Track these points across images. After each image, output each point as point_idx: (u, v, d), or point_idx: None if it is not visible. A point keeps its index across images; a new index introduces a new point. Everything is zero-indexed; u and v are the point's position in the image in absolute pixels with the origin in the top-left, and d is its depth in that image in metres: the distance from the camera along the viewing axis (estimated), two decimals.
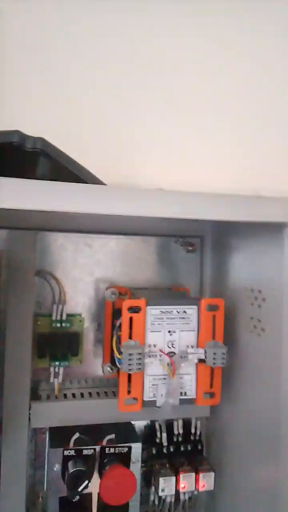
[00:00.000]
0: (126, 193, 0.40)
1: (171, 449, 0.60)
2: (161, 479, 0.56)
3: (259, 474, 0.53)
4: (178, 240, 0.66)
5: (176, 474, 0.57)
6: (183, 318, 0.54)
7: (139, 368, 0.50)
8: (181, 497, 0.59)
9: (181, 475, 0.56)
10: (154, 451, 0.59)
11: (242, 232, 0.59)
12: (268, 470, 0.51)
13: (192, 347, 0.54)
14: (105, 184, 0.43)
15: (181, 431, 0.61)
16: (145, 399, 0.52)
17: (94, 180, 0.41)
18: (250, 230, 0.56)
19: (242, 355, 0.57)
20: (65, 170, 0.38)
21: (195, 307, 0.55)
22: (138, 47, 0.70)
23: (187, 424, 0.61)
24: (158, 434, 0.60)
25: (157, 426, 0.60)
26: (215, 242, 0.66)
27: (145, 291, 0.63)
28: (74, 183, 0.37)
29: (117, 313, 0.55)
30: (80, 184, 0.37)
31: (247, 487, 0.55)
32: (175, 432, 0.60)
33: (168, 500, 0.58)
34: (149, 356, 0.52)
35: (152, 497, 0.59)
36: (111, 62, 0.69)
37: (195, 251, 0.66)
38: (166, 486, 0.56)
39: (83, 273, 0.61)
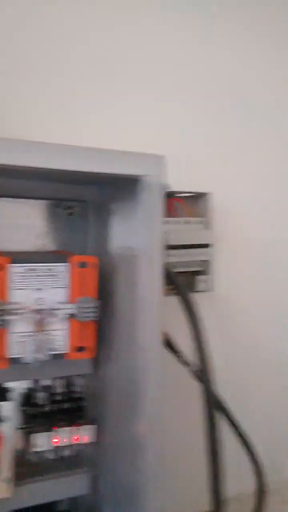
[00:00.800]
0: None
1: (52, 409, 0.60)
2: (37, 435, 0.56)
3: (129, 427, 0.55)
4: (59, 203, 0.66)
5: (52, 430, 0.57)
6: (52, 275, 0.54)
7: (1, 325, 0.49)
8: (64, 453, 0.60)
9: (56, 430, 0.57)
10: (33, 412, 0.59)
11: (119, 196, 0.60)
12: (134, 422, 0.53)
13: (62, 303, 0.54)
14: None
15: (61, 390, 0.61)
16: (11, 356, 0.51)
17: None
18: (126, 192, 0.57)
19: (117, 312, 0.59)
20: None
21: (65, 264, 0.55)
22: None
23: (69, 383, 0.62)
24: (38, 395, 0.60)
25: (37, 388, 0.60)
26: (97, 207, 0.67)
27: (21, 254, 0.61)
28: None
29: None
30: None
31: (122, 439, 0.57)
32: (57, 391, 0.61)
33: (49, 456, 0.59)
34: (15, 314, 0.51)
35: (31, 457, 0.58)
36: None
37: (77, 215, 0.66)
38: (41, 442, 0.56)
39: None
